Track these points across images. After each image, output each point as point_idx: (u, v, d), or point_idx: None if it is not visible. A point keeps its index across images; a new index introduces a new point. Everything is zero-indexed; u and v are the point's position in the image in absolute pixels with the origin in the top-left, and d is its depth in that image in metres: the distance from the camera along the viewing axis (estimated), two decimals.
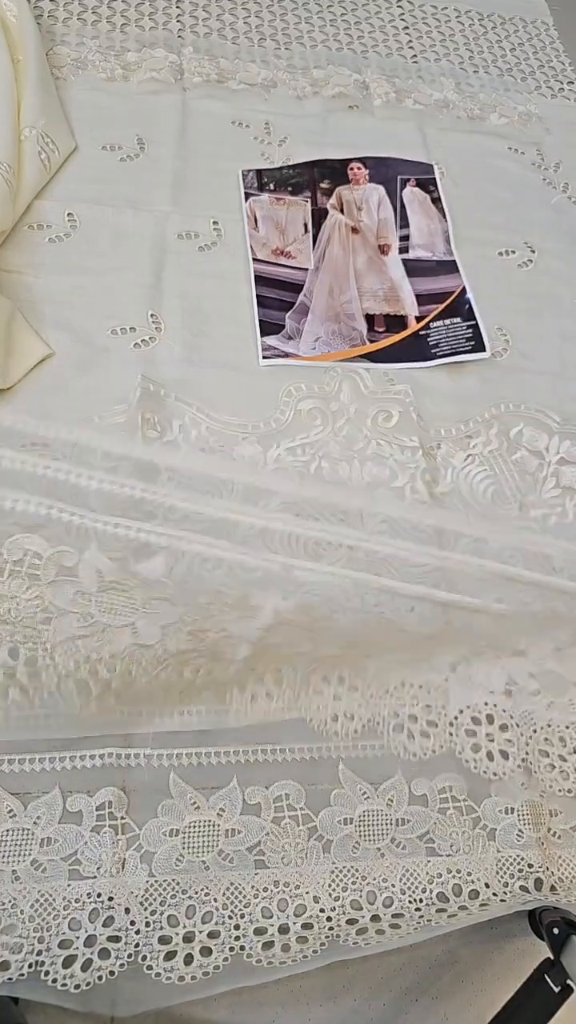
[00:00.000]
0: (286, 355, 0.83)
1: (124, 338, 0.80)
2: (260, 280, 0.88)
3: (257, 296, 0.86)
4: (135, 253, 0.86)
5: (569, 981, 0.55)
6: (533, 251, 0.97)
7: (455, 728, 0.64)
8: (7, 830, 0.56)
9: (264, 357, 0.82)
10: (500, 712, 0.65)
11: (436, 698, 0.65)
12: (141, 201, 0.90)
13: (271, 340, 0.83)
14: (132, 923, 0.54)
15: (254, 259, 0.89)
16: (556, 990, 0.56)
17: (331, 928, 0.56)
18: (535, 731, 0.64)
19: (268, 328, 0.84)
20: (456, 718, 0.64)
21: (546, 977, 0.57)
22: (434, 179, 1.00)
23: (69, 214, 0.87)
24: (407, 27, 1.20)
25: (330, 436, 0.77)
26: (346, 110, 1.07)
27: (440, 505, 0.76)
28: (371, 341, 0.85)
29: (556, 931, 0.58)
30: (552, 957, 0.57)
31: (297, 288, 0.88)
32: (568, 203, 1.04)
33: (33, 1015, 0.57)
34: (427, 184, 1.00)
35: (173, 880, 0.56)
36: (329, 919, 0.57)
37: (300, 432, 0.77)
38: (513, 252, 0.97)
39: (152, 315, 0.82)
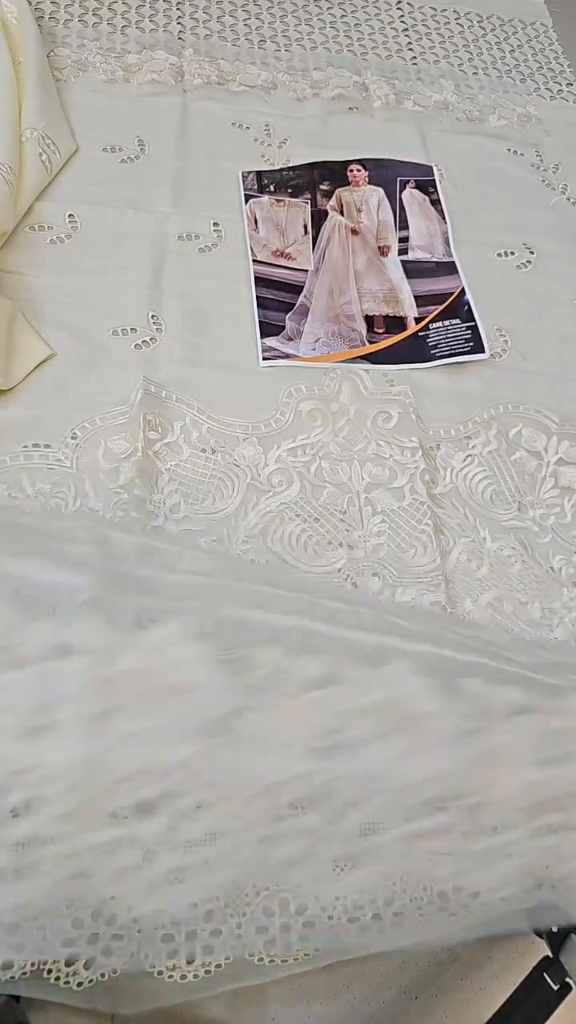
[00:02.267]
0: (286, 356, 0.83)
1: (125, 339, 0.80)
2: (260, 281, 0.88)
3: (257, 297, 0.87)
4: (136, 254, 0.87)
5: (568, 979, 0.56)
6: (532, 252, 0.97)
7: None
8: None
9: (264, 358, 0.82)
10: None
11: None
12: (142, 202, 0.91)
13: (271, 341, 0.84)
14: (135, 920, 0.54)
15: (254, 260, 0.89)
16: (555, 988, 0.56)
17: (332, 927, 0.57)
18: None
19: (268, 329, 0.84)
20: None
21: (545, 975, 0.57)
22: (433, 181, 1.01)
23: (70, 215, 0.88)
24: (407, 29, 1.20)
25: (330, 437, 0.78)
26: (346, 112, 1.07)
27: (439, 505, 0.76)
28: (371, 342, 0.86)
29: (555, 929, 0.58)
30: (551, 955, 0.58)
31: (297, 289, 0.89)
32: (567, 204, 1.04)
33: (34, 1013, 0.57)
34: (426, 186, 1.00)
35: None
36: (331, 917, 0.57)
37: (300, 433, 0.77)
38: (512, 253, 0.97)
39: (153, 316, 0.82)
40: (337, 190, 0.97)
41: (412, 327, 0.88)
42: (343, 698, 0.48)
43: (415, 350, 0.86)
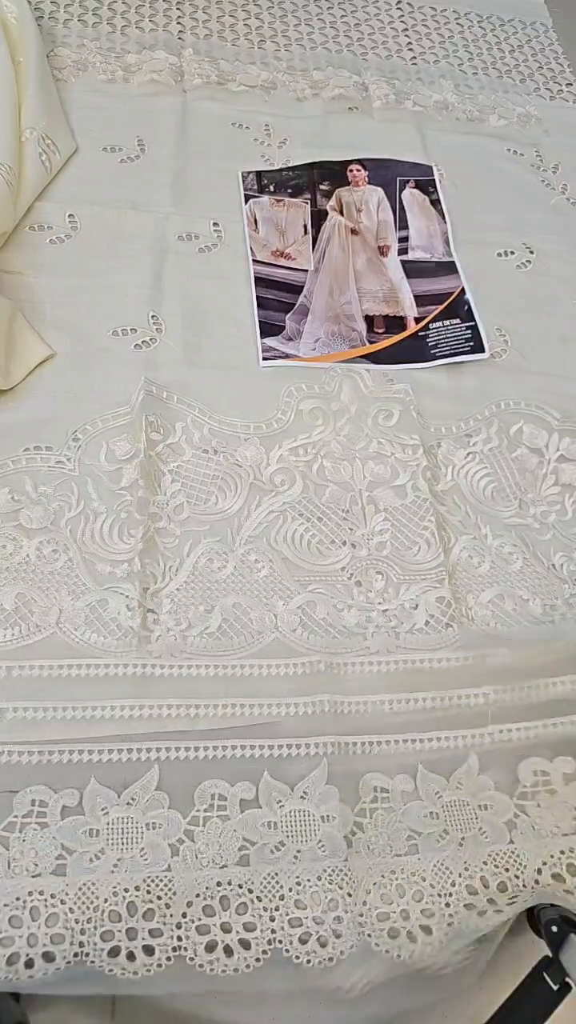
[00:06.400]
0: (286, 356, 0.83)
1: (125, 339, 0.80)
2: (260, 281, 0.88)
3: (257, 297, 0.87)
4: (136, 254, 0.87)
5: (567, 979, 0.56)
6: (532, 252, 0.98)
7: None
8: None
9: (264, 358, 0.82)
10: None
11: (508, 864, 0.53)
12: (142, 202, 0.91)
13: (271, 341, 0.84)
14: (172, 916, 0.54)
15: (254, 260, 0.89)
16: (554, 988, 0.56)
17: (361, 925, 0.56)
18: None
19: (268, 329, 0.84)
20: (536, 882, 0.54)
21: (544, 975, 0.57)
22: (433, 180, 1.01)
23: (70, 215, 0.88)
24: (406, 29, 1.20)
25: (331, 436, 0.78)
26: (346, 112, 1.07)
27: (441, 502, 0.76)
28: (370, 342, 0.86)
29: (555, 929, 0.58)
30: (551, 955, 0.57)
31: (297, 289, 0.89)
32: (567, 204, 1.04)
33: (34, 1012, 0.57)
34: (426, 185, 1.00)
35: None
36: (361, 915, 0.56)
37: (302, 432, 0.77)
38: (512, 253, 0.97)
39: (153, 316, 0.82)
40: (337, 190, 0.97)
41: (412, 327, 0.88)
42: None
43: (415, 350, 0.86)
